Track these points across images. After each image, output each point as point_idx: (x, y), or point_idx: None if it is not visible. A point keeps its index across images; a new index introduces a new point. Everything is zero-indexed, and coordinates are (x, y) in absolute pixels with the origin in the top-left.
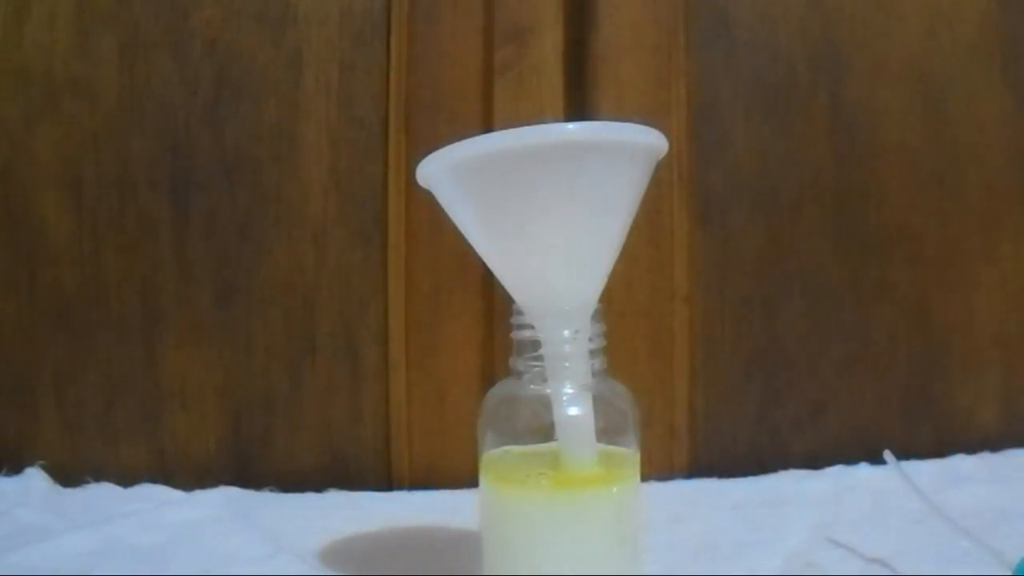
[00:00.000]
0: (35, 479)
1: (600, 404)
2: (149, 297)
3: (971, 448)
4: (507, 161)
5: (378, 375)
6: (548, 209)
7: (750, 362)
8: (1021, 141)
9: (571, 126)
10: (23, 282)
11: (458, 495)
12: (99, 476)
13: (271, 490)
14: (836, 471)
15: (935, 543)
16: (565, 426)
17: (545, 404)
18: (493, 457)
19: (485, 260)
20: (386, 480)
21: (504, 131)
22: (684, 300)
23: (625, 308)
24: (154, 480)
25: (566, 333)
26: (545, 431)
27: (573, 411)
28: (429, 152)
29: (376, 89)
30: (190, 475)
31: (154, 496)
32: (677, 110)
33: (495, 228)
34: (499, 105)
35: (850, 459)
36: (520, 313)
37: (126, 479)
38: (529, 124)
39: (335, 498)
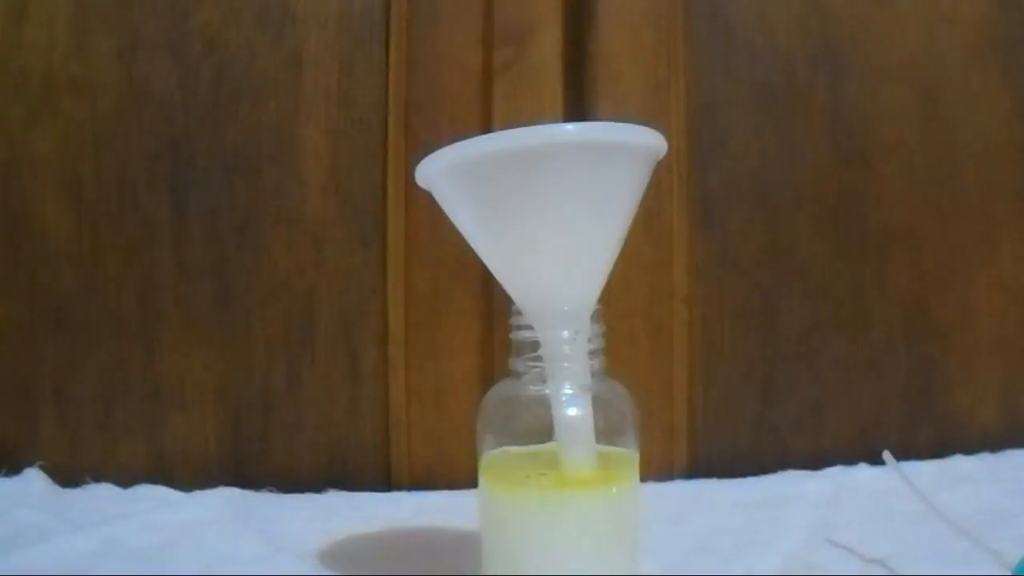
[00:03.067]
0: (34, 480)
1: (599, 404)
2: (148, 297)
3: (970, 449)
4: (506, 162)
5: (377, 375)
6: (548, 209)
7: (750, 362)
8: (1021, 141)
9: (570, 126)
10: (22, 282)
11: (457, 495)
12: (98, 476)
13: (270, 490)
14: (836, 471)
15: (934, 543)
16: (564, 427)
17: (544, 405)
18: (492, 458)
19: (485, 260)
20: (385, 480)
21: (503, 131)
22: (684, 300)
23: (625, 308)
24: (153, 480)
25: (565, 334)
26: (544, 432)
27: (572, 412)
28: (429, 152)
29: (376, 89)
30: (189, 475)
31: (153, 496)
32: (676, 110)
33: (495, 228)
34: (498, 105)
35: (850, 459)
36: (519, 314)
37: (125, 479)
38: (528, 124)
39: (334, 498)
